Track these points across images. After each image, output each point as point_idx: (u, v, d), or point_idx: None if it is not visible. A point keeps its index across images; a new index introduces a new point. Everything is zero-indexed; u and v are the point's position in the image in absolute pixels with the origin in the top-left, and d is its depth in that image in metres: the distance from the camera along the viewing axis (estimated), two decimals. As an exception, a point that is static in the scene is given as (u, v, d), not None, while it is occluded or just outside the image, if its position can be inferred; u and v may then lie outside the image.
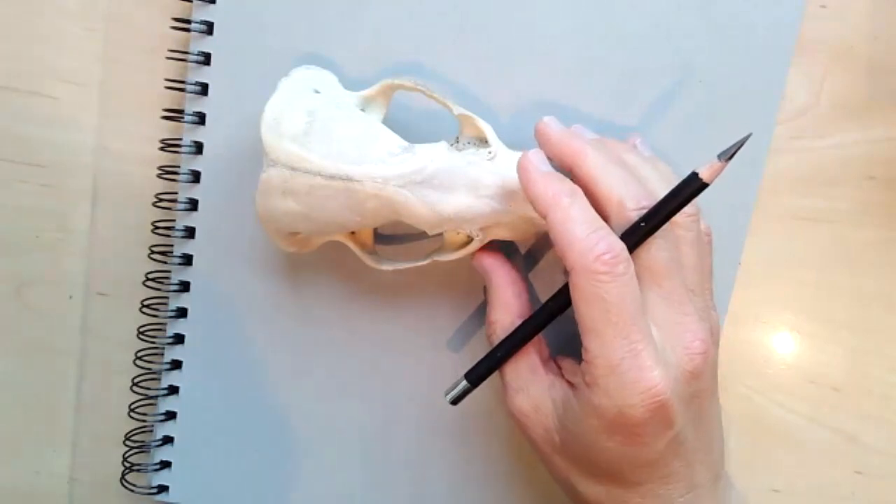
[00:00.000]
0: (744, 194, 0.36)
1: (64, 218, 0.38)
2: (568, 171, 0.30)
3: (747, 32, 0.35)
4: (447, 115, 0.32)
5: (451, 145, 0.32)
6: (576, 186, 0.29)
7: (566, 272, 0.28)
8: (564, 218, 0.28)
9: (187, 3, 0.36)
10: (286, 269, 0.37)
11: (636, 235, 0.28)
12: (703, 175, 0.27)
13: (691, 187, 0.28)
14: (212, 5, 0.35)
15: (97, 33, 0.37)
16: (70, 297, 0.39)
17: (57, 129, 0.38)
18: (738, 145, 0.27)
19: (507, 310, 0.32)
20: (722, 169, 0.27)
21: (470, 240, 0.33)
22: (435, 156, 0.30)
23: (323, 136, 0.30)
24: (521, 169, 0.29)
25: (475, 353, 0.37)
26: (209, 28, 0.35)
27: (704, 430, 0.30)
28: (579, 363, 0.29)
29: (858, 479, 0.38)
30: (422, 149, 0.31)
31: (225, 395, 0.38)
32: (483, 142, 0.32)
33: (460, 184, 0.30)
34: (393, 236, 0.36)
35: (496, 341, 0.32)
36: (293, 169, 0.30)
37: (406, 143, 0.31)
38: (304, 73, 0.33)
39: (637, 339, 0.27)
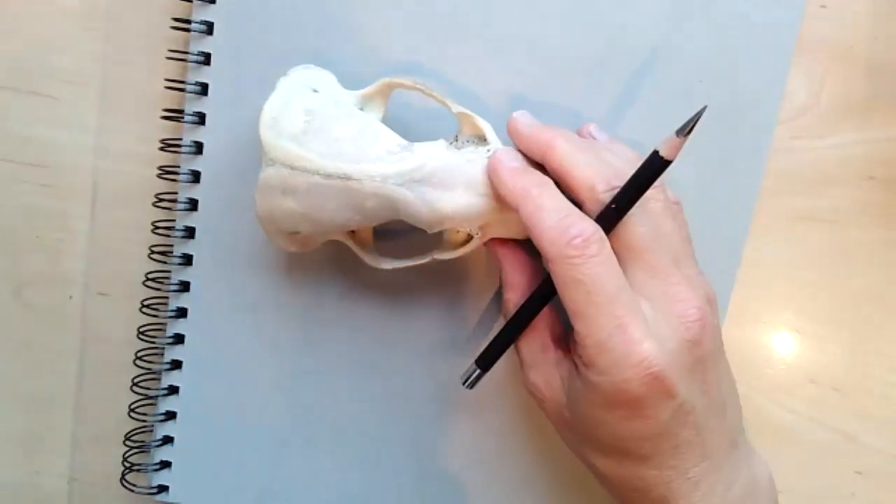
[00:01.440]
0: (744, 194, 0.36)
1: (64, 218, 0.38)
2: (540, 163, 0.31)
3: (747, 32, 0.35)
4: (446, 113, 0.32)
5: (450, 144, 0.32)
6: (545, 177, 0.30)
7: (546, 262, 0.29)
8: (535, 208, 0.29)
9: (187, 3, 0.36)
10: (286, 269, 0.37)
11: (610, 217, 0.28)
12: (664, 152, 0.28)
13: (655, 165, 0.28)
14: (212, 5, 0.35)
15: (97, 33, 0.37)
16: (70, 297, 0.39)
17: (57, 129, 0.38)
18: (695, 120, 0.27)
19: (517, 289, 0.33)
20: (681, 145, 0.28)
21: (470, 238, 0.33)
22: (433, 154, 0.30)
23: (322, 135, 0.30)
24: (490, 168, 0.30)
25: (475, 348, 0.37)
26: (209, 28, 0.35)
27: (713, 396, 0.30)
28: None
29: (858, 479, 0.38)
30: (421, 147, 0.31)
31: (225, 395, 0.38)
32: (482, 140, 0.32)
33: (459, 182, 0.30)
34: (393, 234, 0.36)
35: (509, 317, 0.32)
36: (292, 168, 0.30)
37: (405, 142, 0.31)
38: (303, 73, 0.33)
39: (622, 315, 0.27)
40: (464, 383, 0.33)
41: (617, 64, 0.35)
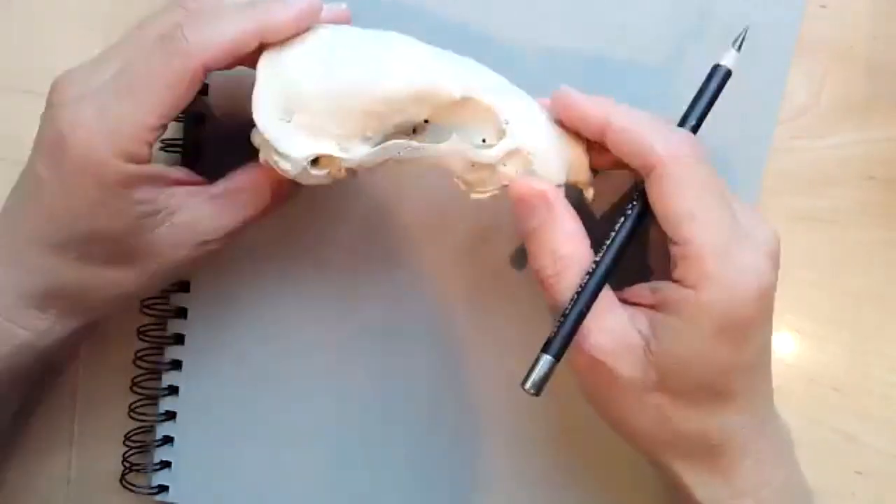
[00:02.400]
0: (744, 194, 0.35)
1: (64, 218, 0.38)
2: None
3: (747, 32, 0.34)
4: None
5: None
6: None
7: (636, 193, 0.28)
8: (629, 119, 0.28)
9: (187, 3, 0.36)
10: (287, 269, 0.37)
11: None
12: (727, 63, 0.30)
13: (718, 77, 0.30)
14: None
15: (97, 33, 0.37)
16: (70, 297, 0.39)
17: (57, 129, 0.38)
18: (742, 35, 0.30)
19: (578, 239, 0.29)
20: (735, 58, 0.30)
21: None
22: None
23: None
24: (558, 101, 0.30)
25: (476, 350, 0.37)
26: (209, 28, 0.35)
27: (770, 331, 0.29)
28: (654, 283, 0.29)
29: (858, 479, 0.38)
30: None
31: (225, 394, 0.38)
32: (501, 133, 0.30)
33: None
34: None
35: (572, 280, 0.28)
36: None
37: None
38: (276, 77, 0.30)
39: (733, 220, 0.27)
40: (529, 386, 0.28)
41: (616, 64, 0.35)
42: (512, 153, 0.29)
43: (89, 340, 0.39)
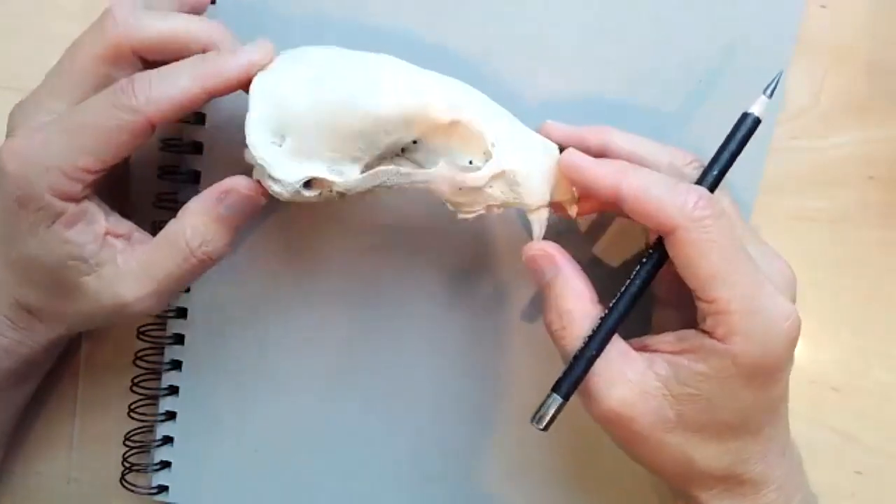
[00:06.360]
0: (744, 194, 0.36)
1: (64, 218, 0.38)
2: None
3: (747, 32, 0.35)
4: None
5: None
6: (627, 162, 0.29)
7: (653, 244, 0.28)
8: (641, 183, 0.28)
9: (187, 3, 0.36)
10: (287, 269, 0.37)
11: (706, 185, 0.29)
12: (757, 111, 0.29)
13: (746, 126, 0.29)
14: (212, 5, 0.35)
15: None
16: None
17: (57, 129, 0.38)
18: (776, 80, 0.29)
19: (582, 297, 0.30)
20: (765, 104, 0.29)
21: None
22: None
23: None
24: (567, 166, 0.30)
25: (478, 352, 0.37)
26: (209, 28, 0.35)
27: None
28: (675, 331, 0.29)
29: (858, 479, 0.38)
30: None
31: (225, 395, 0.38)
32: (488, 153, 0.30)
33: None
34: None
35: (577, 331, 0.29)
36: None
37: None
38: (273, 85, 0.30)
39: (757, 272, 0.27)
40: (537, 422, 0.29)
41: (616, 64, 0.35)
42: (498, 175, 0.30)
43: (89, 341, 0.39)
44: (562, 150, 0.31)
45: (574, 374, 0.29)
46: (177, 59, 0.30)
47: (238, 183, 0.31)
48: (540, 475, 0.38)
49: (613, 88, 0.35)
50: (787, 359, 0.28)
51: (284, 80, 0.29)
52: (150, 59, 0.30)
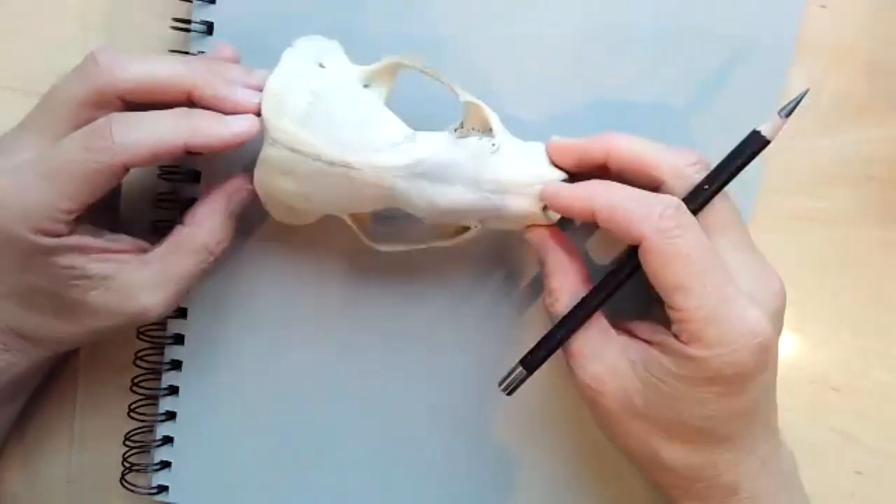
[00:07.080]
0: (744, 194, 0.35)
1: (64, 218, 0.38)
2: (600, 168, 0.31)
3: (747, 32, 0.35)
4: (452, 99, 0.31)
5: (455, 130, 0.31)
6: (601, 180, 0.30)
7: (628, 254, 0.29)
8: (609, 198, 0.28)
9: (187, 3, 0.36)
10: (287, 269, 0.37)
11: (702, 196, 0.29)
12: (766, 132, 0.28)
13: (754, 144, 0.29)
14: (212, 5, 0.35)
15: (97, 33, 0.37)
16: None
17: (57, 129, 0.38)
18: (797, 101, 0.28)
19: (569, 275, 0.31)
20: (782, 126, 0.28)
21: (468, 228, 0.32)
22: (437, 148, 0.30)
23: (326, 120, 0.30)
24: (548, 197, 0.30)
25: (477, 345, 0.37)
26: (209, 28, 0.35)
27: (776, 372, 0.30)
28: (655, 323, 0.29)
29: (858, 479, 0.38)
30: (424, 139, 0.30)
31: (225, 394, 0.38)
32: (488, 131, 0.31)
33: (460, 178, 0.30)
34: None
35: (561, 308, 0.31)
36: (293, 150, 0.30)
37: (409, 131, 0.31)
38: (308, 45, 0.32)
39: (725, 283, 0.27)
40: (504, 388, 0.32)
41: (616, 64, 0.35)
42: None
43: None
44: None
45: (543, 349, 0.31)
46: (161, 102, 0.30)
47: (243, 182, 0.33)
48: (540, 475, 0.38)
49: (614, 89, 0.35)
50: (754, 370, 0.28)
51: (287, 97, 0.30)
52: (136, 102, 0.30)
